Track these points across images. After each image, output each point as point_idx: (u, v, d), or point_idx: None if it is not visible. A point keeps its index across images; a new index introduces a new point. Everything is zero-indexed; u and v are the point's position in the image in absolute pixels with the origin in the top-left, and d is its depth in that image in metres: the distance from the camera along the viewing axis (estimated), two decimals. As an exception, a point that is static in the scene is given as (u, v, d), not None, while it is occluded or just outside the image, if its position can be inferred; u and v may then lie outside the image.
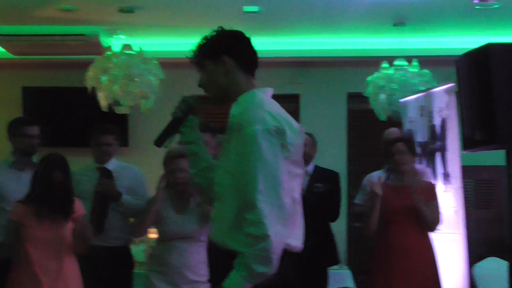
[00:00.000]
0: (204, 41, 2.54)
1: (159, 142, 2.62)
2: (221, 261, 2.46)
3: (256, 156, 2.26)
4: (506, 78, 4.40)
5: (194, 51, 2.57)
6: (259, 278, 2.24)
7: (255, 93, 2.45)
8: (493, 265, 6.33)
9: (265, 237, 2.18)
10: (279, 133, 2.30)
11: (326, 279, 5.46)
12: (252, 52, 2.53)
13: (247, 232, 2.23)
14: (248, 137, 2.29)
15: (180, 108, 2.60)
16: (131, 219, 4.85)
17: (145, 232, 4.73)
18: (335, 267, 5.71)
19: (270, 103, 2.47)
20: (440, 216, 4.96)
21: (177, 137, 2.69)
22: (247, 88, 2.49)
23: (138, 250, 5.91)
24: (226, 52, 2.44)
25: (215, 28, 2.58)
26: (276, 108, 2.47)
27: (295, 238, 2.48)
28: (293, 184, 2.42)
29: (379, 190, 4.85)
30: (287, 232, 2.34)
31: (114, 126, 5.12)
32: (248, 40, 2.48)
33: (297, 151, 2.43)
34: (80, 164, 5.07)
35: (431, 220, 4.83)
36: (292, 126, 2.41)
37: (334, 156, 7.40)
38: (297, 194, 2.49)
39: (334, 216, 5.37)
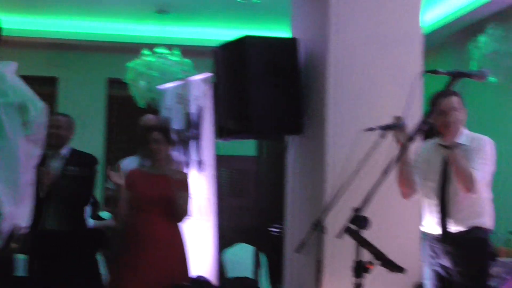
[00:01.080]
0: None
1: None
2: None
3: None
4: (260, 70, 4.66)
5: None
6: None
7: None
8: (242, 251, 6.67)
9: None
10: (22, 109, 2.35)
11: (96, 263, 5.30)
12: None
13: None
14: None
15: None
16: None
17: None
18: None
19: (13, 77, 2.48)
20: (189, 207, 5.05)
21: None
22: None
23: None
24: None
25: None
26: (19, 83, 2.49)
27: (23, 218, 2.50)
28: (30, 164, 2.46)
29: (118, 179, 4.90)
30: (19, 212, 2.39)
31: None
32: None
33: (39, 130, 2.48)
34: None
35: (182, 211, 4.92)
36: (36, 104, 2.45)
37: (92, 141, 7.49)
38: (32, 175, 2.55)
39: (85, 201, 5.32)
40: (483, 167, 3.99)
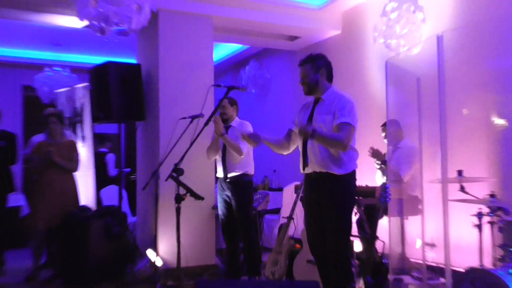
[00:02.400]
0: None
1: None
2: None
3: None
4: (116, 82, 5.52)
5: None
6: None
7: None
8: (111, 190, 7.11)
9: None
10: None
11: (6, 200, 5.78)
12: None
13: None
14: None
15: None
16: None
17: None
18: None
19: None
20: (78, 163, 5.49)
21: None
22: None
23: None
24: None
25: None
26: None
27: None
28: None
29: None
30: None
31: None
32: None
33: None
34: None
35: (74, 165, 5.43)
36: None
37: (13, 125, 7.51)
38: None
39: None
40: None
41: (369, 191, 4.39)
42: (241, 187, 4.71)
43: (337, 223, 3.36)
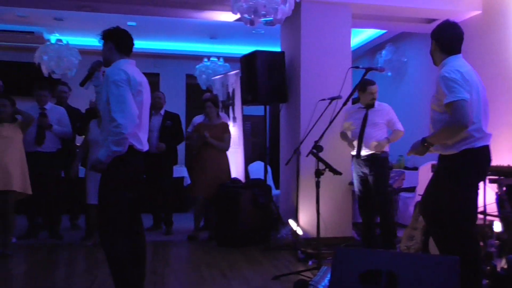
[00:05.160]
0: None
1: (81, 84, 3.25)
2: None
3: None
4: (263, 68, 5.63)
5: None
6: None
7: None
8: (258, 165, 7.35)
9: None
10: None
11: (171, 171, 6.15)
12: None
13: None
14: None
15: (91, 66, 3.20)
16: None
17: None
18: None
19: None
20: (229, 142, 5.67)
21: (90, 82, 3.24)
22: None
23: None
24: None
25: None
26: None
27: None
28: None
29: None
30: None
31: (47, 84, 5.72)
32: None
33: None
34: (29, 105, 5.56)
35: (226, 145, 5.62)
36: None
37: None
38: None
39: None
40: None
41: (511, 171, 3.94)
42: (378, 164, 4.63)
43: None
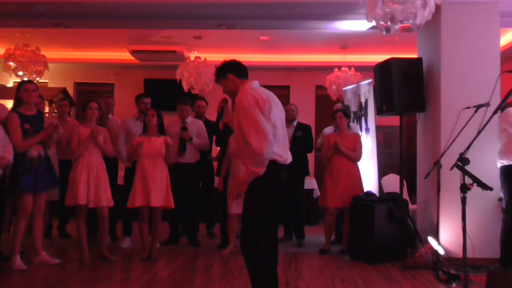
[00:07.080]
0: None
1: (216, 123, 3.61)
2: None
3: None
4: (399, 76, 5.46)
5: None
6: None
7: None
8: (392, 178, 6.98)
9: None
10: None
11: (303, 182, 6.26)
12: None
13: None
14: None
15: (219, 105, 3.66)
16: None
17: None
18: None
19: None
20: (360, 153, 5.59)
21: None
22: None
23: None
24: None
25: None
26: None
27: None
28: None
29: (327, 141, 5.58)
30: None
31: (189, 100, 6.00)
32: None
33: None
34: (171, 119, 5.96)
35: (357, 156, 5.60)
36: None
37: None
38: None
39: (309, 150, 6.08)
40: None
41: None
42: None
43: None
